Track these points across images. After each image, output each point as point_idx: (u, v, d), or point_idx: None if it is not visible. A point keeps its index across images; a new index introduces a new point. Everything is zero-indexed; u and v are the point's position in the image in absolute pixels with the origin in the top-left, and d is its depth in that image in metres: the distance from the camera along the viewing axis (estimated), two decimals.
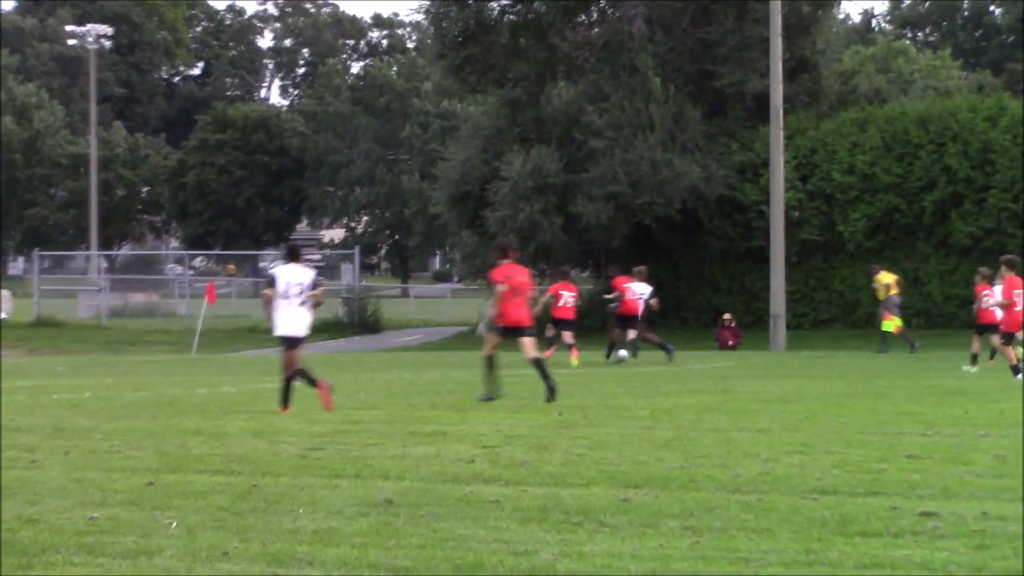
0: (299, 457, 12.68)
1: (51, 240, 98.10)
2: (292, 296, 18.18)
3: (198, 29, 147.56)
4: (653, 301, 33.22)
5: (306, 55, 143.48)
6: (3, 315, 60.37)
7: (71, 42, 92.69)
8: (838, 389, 21.38)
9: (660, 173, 47.42)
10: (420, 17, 69.85)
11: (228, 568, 7.95)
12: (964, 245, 47.12)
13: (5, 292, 66.05)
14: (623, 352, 32.07)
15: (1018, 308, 24.24)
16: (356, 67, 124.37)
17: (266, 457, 12.73)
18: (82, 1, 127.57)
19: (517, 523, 9.19)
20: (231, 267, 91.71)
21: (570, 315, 31.78)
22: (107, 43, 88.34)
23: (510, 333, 19.36)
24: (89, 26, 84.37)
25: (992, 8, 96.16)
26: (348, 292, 61.87)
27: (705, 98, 50.33)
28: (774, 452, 12.59)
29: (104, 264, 79.71)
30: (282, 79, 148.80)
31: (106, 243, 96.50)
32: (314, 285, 18.42)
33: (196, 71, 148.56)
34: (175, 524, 9.23)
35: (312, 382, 17.94)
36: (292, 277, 18.32)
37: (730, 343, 43.10)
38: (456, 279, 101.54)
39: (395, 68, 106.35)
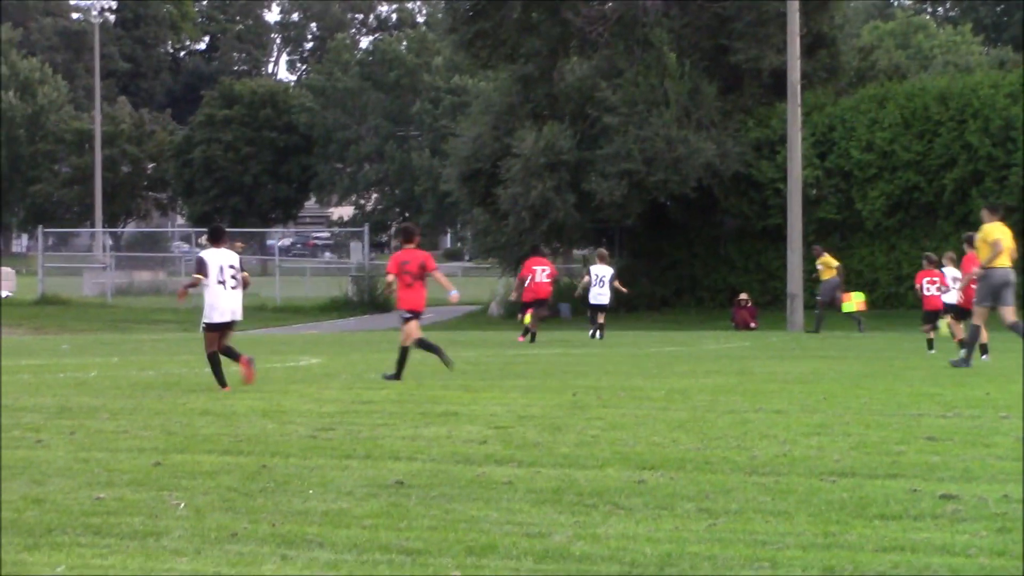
0: (309, 437, 12.57)
1: (55, 217, 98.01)
2: (227, 280, 18.03)
3: (204, 3, 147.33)
4: (618, 283, 33.68)
5: (314, 29, 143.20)
6: (5, 293, 60.43)
7: (75, 16, 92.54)
8: (856, 370, 21.24)
9: (675, 150, 47.28)
10: None
11: (237, 549, 7.85)
12: None
13: (7, 270, 66.10)
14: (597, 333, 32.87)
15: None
16: (365, 42, 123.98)
17: (275, 437, 12.63)
18: None
19: (530, 504, 9.09)
20: (239, 245, 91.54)
21: (545, 291, 31.80)
22: (111, 17, 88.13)
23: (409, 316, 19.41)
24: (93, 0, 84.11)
25: None
26: (357, 270, 61.80)
27: (721, 74, 50.18)
28: (791, 433, 12.47)
29: (109, 242, 79.72)
30: (290, 54, 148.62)
31: (111, 220, 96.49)
32: (241, 267, 18.33)
33: (202, 46, 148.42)
34: (183, 505, 9.14)
35: (220, 379, 17.88)
36: (223, 260, 18.13)
37: (751, 325, 42.84)
38: (467, 257, 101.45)
39: (405, 43, 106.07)
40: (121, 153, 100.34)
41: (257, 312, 55.76)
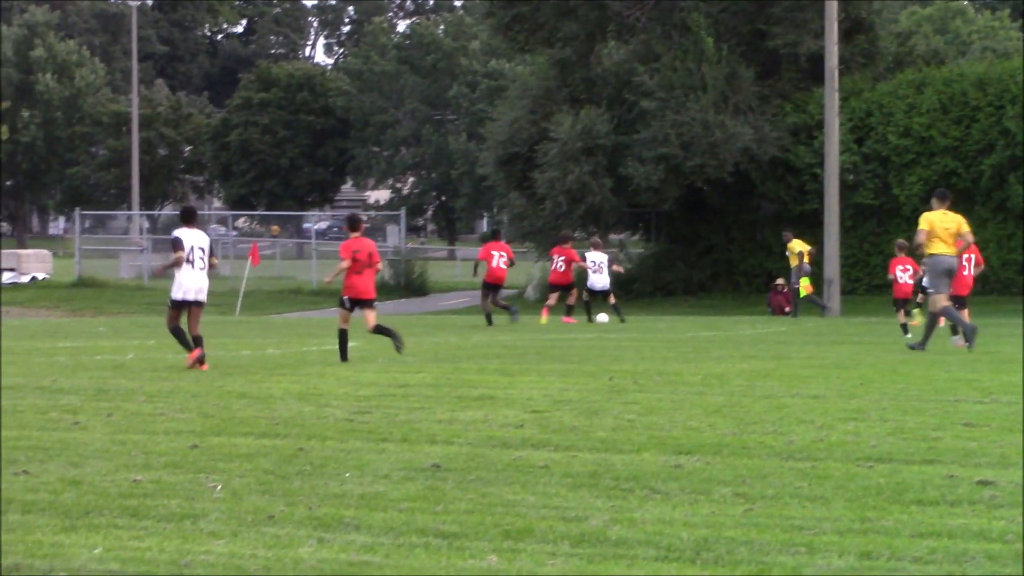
0: (345, 421, 12.59)
1: (92, 199, 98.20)
2: (196, 260, 18.47)
3: None
4: (616, 267, 33.89)
5: (351, 13, 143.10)
6: (21, 278, 60.64)
7: None
8: (893, 355, 21.14)
9: (712, 135, 47.14)
10: None
11: (273, 532, 7.86)
12: (1022, 210, 46.58)
13: (39, 252, 66.30)
14: (602, 316, 33.21)
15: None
16: (402, 25, 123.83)
17: (312, 420, 12.65)
18: None
19: (567, 489, 9.08)
20: (275, 228, 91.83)
21: (501, 276, 31.84)
22: (149, 0, 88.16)
23: (356, 304, 19.77)
24: None
25: None
26: (394, 254, 61.88)
27: (758, 59, 49.98)
28: (828, 419, 12.42)
29: (146, 224, 79.95)
30: (327, 37, 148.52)
31: (147, 203, 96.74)
32: (211, 252, 18.84)
33: (239, 29, 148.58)
34: (219, 487, 9.16)
35: (188, 346, 18.41)
36: (196, 241, 18.75)
37: (786, 309, 42.74)
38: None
39: (442, 26, 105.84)
40: (158, 136, 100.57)
41: (293, 295, 55.92)
